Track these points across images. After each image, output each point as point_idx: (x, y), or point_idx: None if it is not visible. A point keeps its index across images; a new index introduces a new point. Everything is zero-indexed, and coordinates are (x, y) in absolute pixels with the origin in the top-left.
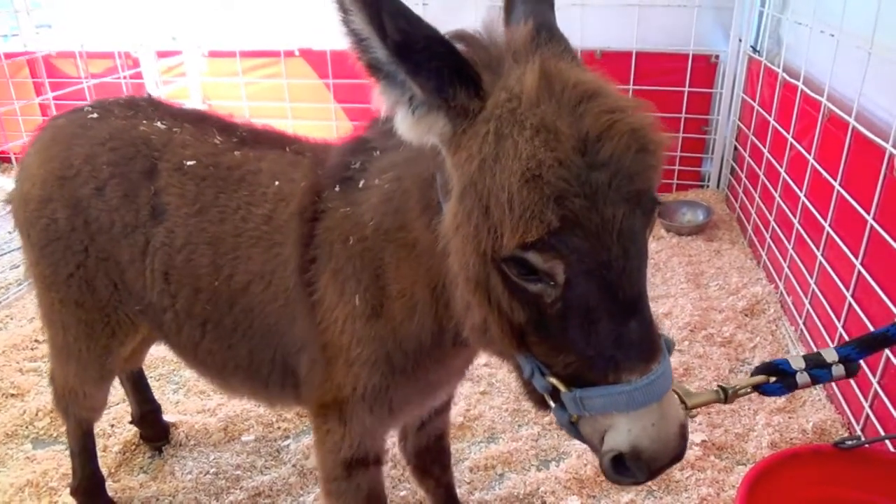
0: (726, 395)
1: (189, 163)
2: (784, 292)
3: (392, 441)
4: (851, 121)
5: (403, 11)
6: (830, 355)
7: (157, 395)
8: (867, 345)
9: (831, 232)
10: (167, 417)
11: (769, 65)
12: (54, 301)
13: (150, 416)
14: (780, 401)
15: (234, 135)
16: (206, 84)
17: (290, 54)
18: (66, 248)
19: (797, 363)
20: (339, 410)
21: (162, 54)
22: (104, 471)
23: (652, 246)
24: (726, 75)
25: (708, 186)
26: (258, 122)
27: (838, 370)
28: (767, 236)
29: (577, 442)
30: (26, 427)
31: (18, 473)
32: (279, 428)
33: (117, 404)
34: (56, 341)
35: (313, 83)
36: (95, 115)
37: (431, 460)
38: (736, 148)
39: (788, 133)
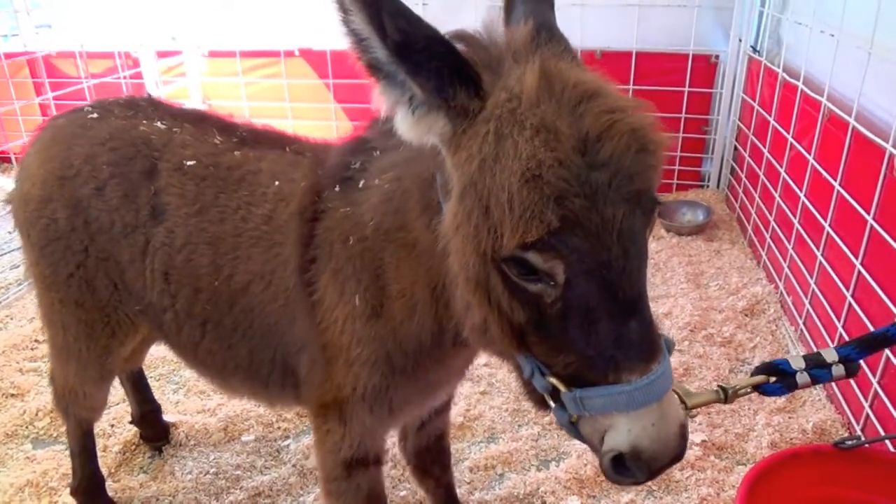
0: (726, 395)
1: (189, 163)
2: (784, 292)
3: (392, 441)
4: (851, 121)
5: (403, 11)
6: (830, 355)
7: (157, 395)
8: (867, 345)
9: (831, 232)
10: (167, 417)
11: (769, 65)
12: (54, 301)
13: (151, 416)
14: (780, 401)
15: (234, 135)
16: (206, 84)
17: (290, 54)
18: (66, 248)
19: (797, 363)
20: (339, 410)
21: (162, 54)
22: (104, 471)
23: (652, 246)
24: (726, 75)
25: (708, 186)
26: (258, 122)
27: (838, 370)
28: (767, 236)
29: (576, 442)
30: (26, 427)
31: (18, 473)
32: (279, 428)
33: (117, 404)
34: (56, 341)
35: (313, 83)
36: (95, 115)
37: (431, 460)
38: (736, 148)
39: (788, 133)
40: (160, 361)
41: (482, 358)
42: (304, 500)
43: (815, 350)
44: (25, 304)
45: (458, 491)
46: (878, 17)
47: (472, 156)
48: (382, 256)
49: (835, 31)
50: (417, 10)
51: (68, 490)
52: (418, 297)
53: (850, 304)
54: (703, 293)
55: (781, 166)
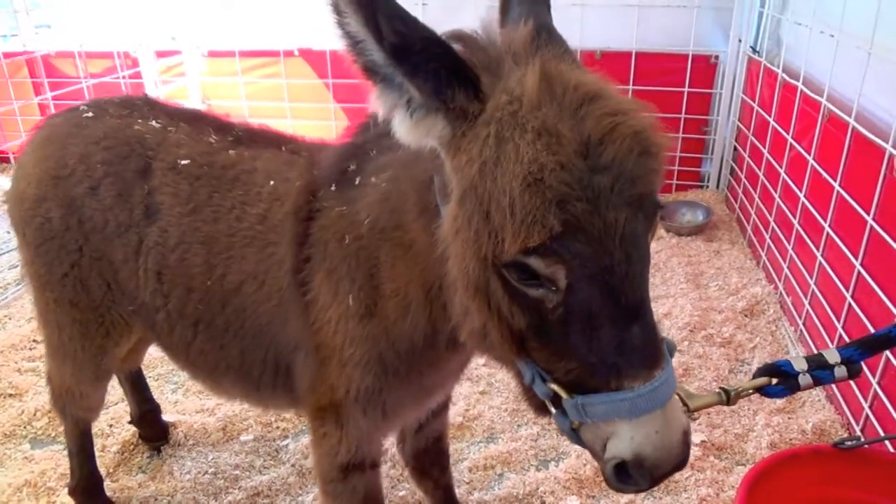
0: (728, 397)
1: (183, 162)
2: (784, 293)
3: (390, 441)
4: (851, 121)
5: (399, 13)
6: (833, 356)
7: (155, 394)
8: (869, 346)
9: (831, 232)
10: (166, 417)
11: (769, 65)
12: (49, 301)
13: (149, 415)
14: (780, 401)
15: (230, 134)
16: (206, 84)
17: (289, 54)
18: (61, 248)
19: (799, 364)
20: (335, 413)
21: (161, 54)
22: (102, 470)
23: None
24: (726, 76)
25: (707, 187)
26: (257, 121)
27: (840, 371)
28: (767, 237)
29: None
30: (24, 427)
31: (17, 473)
32: (278, 428)
33: (116, 404)
34: (52, 341)
35: (313, 83)
36: (91, 115)
37: (430, 462)
38: (735, 148)
39: (788, 133)
40: (159, 361)
41: (481, 358)
42: (302, 500)
43: (814, 350)
44: (24, 303)
45: (457, 491)
46: (878, 17)
47: (472, 159)
48: (378, 255)
49: (835, 32)
50: (416, 10)
51: (66, 490)
52: (412, 297)
53: (849, 305)
54: (702, 293)
55: (781, 167)
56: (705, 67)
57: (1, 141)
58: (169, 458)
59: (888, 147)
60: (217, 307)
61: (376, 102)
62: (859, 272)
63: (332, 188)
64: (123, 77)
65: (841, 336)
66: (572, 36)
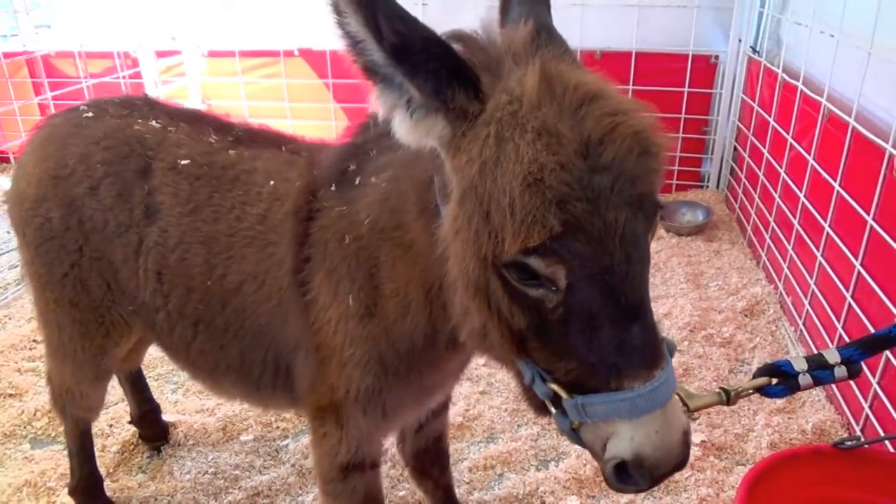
0: (728, 398)
1: (183, 162)
2: (784, 293)
3: (391, 441)
4: (851, 121)
5: (399, 13)
6: (833, 356)
7: (155, 394)
8: (870, 346)
9: (831, 232)
10: (166, 417)
11: (769, 65)
12: (49, 301)
13: (149, 415)
14: (780, 401)
15: (230, 134)
16: (206, 84)
17: (289, 54)
18: (61, 248)
19: (799, 365)
20: (335, 414)
21: (161, 54)
22: (103, 470)
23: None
24: (726, 76)
25: (707, 187)
26: (257, 121)
27: (841, 371)
28: (767, 237)
29: None
30: (24, 427)
31: (17, 473)
32: (278, 428)
33: (116, 404)
34: (52, 341)
35: (313, 83)
36: (91, 115)
37: (430, 462)
38: (735, 148)
39: (788, 133)
40: (159, 361)
41: (481, 358)
42: (302, 500)
43: (814, 350)
44: (24, 303)
45: (457, 491)
46: (878, 17)
47: (472, 159)
48: (378, 255)
49: (835, 32)
50: (416, 10)
51: (66, 490)
52: (412, 296)
53: (849, 305)
54: (702, 293)
55: (781, 167)
56: (705, 67)
57: (1, 141)
58: (169, 458)
59: (888, 147)
60: (217, 307)
61: (376, 102)
62: (859, 272)
63: (332, 188)
64: (123, 77)
65: (841, 336)
66: (572, 36)
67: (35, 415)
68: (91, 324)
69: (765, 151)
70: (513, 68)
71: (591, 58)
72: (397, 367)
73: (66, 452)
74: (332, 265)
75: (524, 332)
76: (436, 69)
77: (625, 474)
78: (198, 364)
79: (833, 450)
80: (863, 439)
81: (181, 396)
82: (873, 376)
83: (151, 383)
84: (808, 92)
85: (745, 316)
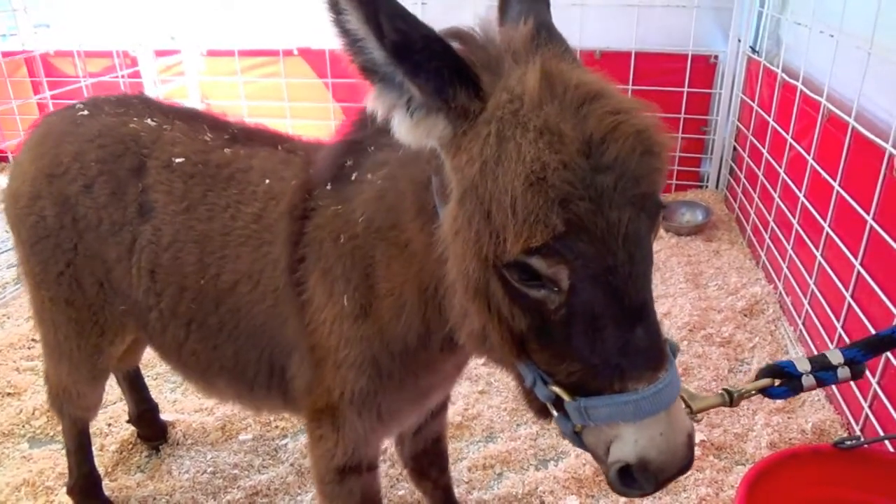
0: (731, 399)
1: (178, 160)
2: (783, 292)
3: (389, 441)
4: (851, 121)
5: (400, 11)
6: (836, 357)
7: (154, 393)
8: (873, 346)
9: (831, 232)
10: (165, 416)
11: (768, 65)
12: (45, 299)
13: (147, 415)
14: (780, 401)
15: (226, 132)
16: (205, 83)
17: (288, 53)
18: (56, 247)
19: (802, 365)
20: (331, 416)
21: (160, 53)
22: (101, 470)
23: None
24: (725, 76)
25: (707, 187)
26: (256, 121)
27: (844, 372)
28: (766, 236)
29: None
30: (23, 426)
31: (15, 472)
32: (277, 427)
33: (114, 403)
34: (48, 340)
35: (312, 82)
36: (86, 113)
37: (429, 463)
38: (735, 148)
39: (788, 133)
40: (157, 360)
41: (480, 359)
42: (301, 500)
43: (814, 350)
44: (22, 302)
45: (456, 490)
46: (878, 17)
47: (472, 158)
48: (373, 255)
49: (834, 32)
50: (416, 9)
51: (65, 489)
52: (406, 297)
53: (849, 305)
54: (702, 293)
55: (781, 167)
56: (705, 67)
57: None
58: (167, 458)
59: (888, 147)
60: (210, 307)
61: (375, 102)
62: (859, 272)
63: (328, 187)
64: (122, 76)
65: (841, 336)
66: (572, 36)
67: (33, 414)
68: (86, 323)
69: (764, 151)
70: (513, 67)
71: (590, 58)
72: (391, 369)
73: (64, 452)
74: (327, 265)
75: (525, 333)
76: (437, 68)
77: (629, 478)
78: (190, 364)
79: (833, 450)
80: (863, 439)
81: (180, 395)
82: (873, 376)
83: (150, 382)
84: (808, 92)
85: (745, 316)
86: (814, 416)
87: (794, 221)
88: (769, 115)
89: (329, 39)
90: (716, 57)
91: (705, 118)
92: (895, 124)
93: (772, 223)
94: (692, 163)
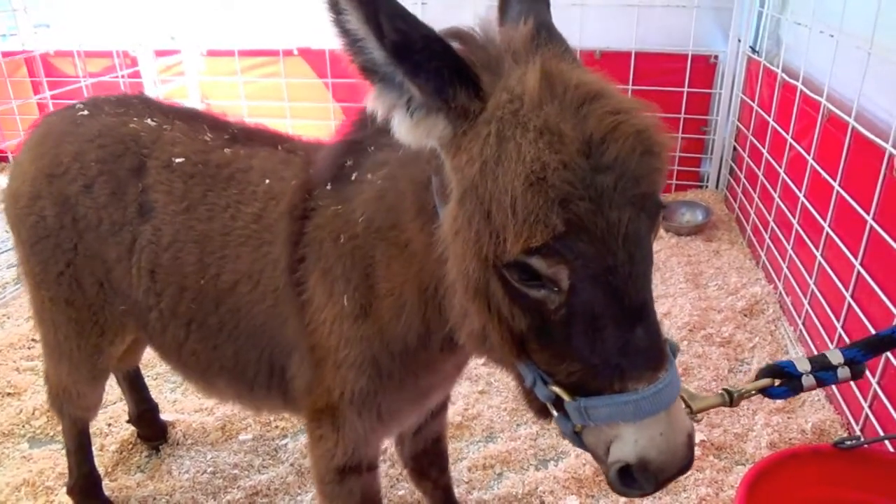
0: (731, 399)
1: (178, 160)
2: (783, 292)
3: (389, 441)
4: (851, 121)
5: (400, 11)
6: (836, 357)
7: (154, 393)
8: (873, 347)
9: (831, 232)
10: (165, 416)
11: (768, 65)
12: (45, 299)
13: (147, 415)
14: (780, 401)
15: (226, 132)
16: (205, 83)
17: (288, 53)
18: (56, 246)
19: (802, 365)
20: (331, 416)
21: (160, 53)
22: (101, 470)
23: None
24: (725, 76)
25: (707, 187)
26: (257, 121)
27: (844, 372)
28: (766, 236)
29: None
30: (23, 426)
31: (15, 472)
32: (277, 427)
33: (114, 403)
34: (48, 340)
35: (312, 82)
36: (86, 113)
37: (429, 463)
38: (735, 148)
39: (788, 133)
40: (157, 360)
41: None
42: (301, 500)
43: (814, 350)
44: (23, 302)
45: (456, 490)
46: (878, 17)
47: (472, 158)
48: (373, 255)
49: (834, 32)
50: (416, 9)
51: (65, 489)
52: (406, 297)
53: (849, 305)
54: (702, 293)
55: (781, 167)
56: (705, 67)
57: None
58: (168, 458)
59: (888, 147)
60: (210, 307)
61: (375, 102)
62: (859, 272)
63: (328, 187)
64: (122, 76)
65: (841, 336)
66: (572, 36)
67: (33, 414)
68: (86, 323)
69: (764, 151)
70: (513, 67)
71: (590, 58)
72: (392, 370)
73: (64, 451)
74: (327, 265)
75: (525, 333)
76: (437, 68)
77: (629, 478)
78: (190, 364)
79: (833, 449)
80: (863, 439)
81: (180, 395)
82: (873, 376)
83: (150, 382)
84: (808, 92)
85: (745, 316)
86: (814, 416)
87: (794, 221)
88: (769, 115)
89: (329, 39)
90: (716, 57)
91: (705, 118)
92: (895, 124)
93: (772, 223)
94: (692, 163)
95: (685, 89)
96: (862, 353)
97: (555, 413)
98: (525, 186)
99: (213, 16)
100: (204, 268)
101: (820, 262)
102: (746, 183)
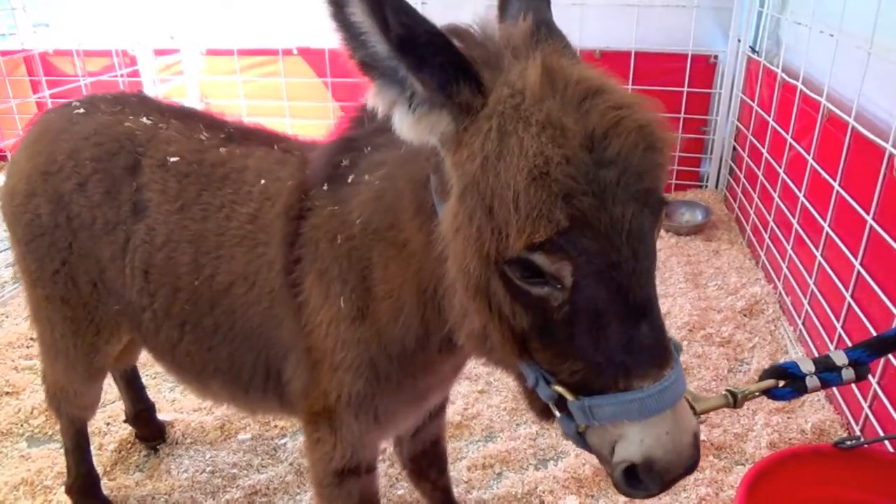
0: (735, 400)
1: (172, 159)
2: (783, 292)
3: (388, 441)
4: (851, 121)
5: (404, 6)
6: (840, 358)
7: (153, 392)
8: (877, 347)
9: (830, 232)
10: (164, 415)
11: (768, 65)
12: (41, 298)
13: (144, 414)
14: (780, 401)
15: (221, 131)
16: (204, 82)
17: (288, 52)
18: (51, 245)
19: (806, 366)
20: (329, 419)
21: (159, 52)
22: (100, 469)
23: None
24: (725, 75)
25: (707, 186)
26: (256, 120)
27: (848, 374)
28: (766, 236)
29: None
30: (21, 425)
31: (13, 472)
32: (276, 426)
33: (113, 402)
34: (44, 338)
35: (311, 82)
36: (82, 111)
37: (428, 464)
38: (735, 148)
39: (787, 133)
40: None
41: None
42: (300, 499)
43: (813, 350)
44: (21, 301)
45: (455, 490)
46: (878, 17)
47: (473, 154)
48: (370, 256)
49: (834, 32)
50: (416, 8)
51: (63, 488)
52: (405, 298)
53: (849, 305)
54: (701, 293)
55: (780, 166)
56: (704, 67)
57: None
58: (166, 457)
59: (888, 147)
60: (205, 308)
61: (375, 99)
62: (859, 272)
63: (324, 187)
64: (122, 75)
65: (840, 336)
66: (572, 35)
67: (32, 413)
68: (82, 321)
69: (764, 151)
70: (513, 62)
71: (590, 57)
72: (389, 372)
73: (62, 451)
74: (324, 266)
75: (527, 332)
76: (441, 63)
77: (634, 478)
78: (184, 366)
79: (833, 450)
80: (863, 439)
81: (178, 395)
82: (873, 377)
83: (149, 381)
84: (808, 92)
85: (745, 315)
86: (814, 416)
87: (794, 221)
88: (769, 115)
89: (329, 39)
90: (716, 57)
91: (705, 118)
92: (895, 124)
93: (771, 223)
94: (692, 162)
95: (685, 89)
96: (866, 353)
97: (557, 413)
98: (528, 181)
99: (213, 15)
100: (198, 268)
101: (820, 262)
102: (746, 183)
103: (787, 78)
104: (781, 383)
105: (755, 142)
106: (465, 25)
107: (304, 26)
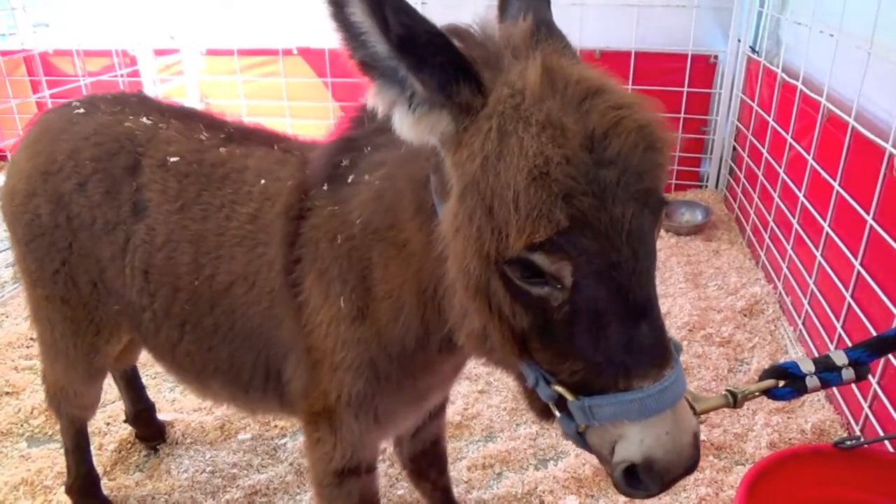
0: (735, 400)
1: (172, 159)
2: (783, 292)
3: (388, 441)
4: (851, 121)
5: (404, 5)
6: (840, 358)
7: (153, 392)
8: (877, 347)
9: (830, 232)
10: (164, 415)
11: (768, 65)
12: (41, 297)
13: (144, 414)
14: (780, 401)
15: (221, 131)
16: (204, 82)
17: (288, 52)
18: (51, 245)
19: (806, 366)
20: (328, 419)
21: (160, 52)
22: (100, 469)
23: None
24: (725, 75)
25: (706, 186)
26: (256, 120)
27: (848, 374)
28: (766, 236)
29: None
30: (21, 425)
31: (13, 472)
32: (276, 426)
33: (113, 402)
34: (44, 338)
35: (311, 82)
36: (82, 111)
37: (428, 464)
38: (735, 148)
39: (787, 133)
40: None
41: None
42: (300, 499)
43: (813, 350)
44: (21, 301)
45: (455, 490)
46: (878, 17)
47: (473, 153)
48: (370, 256)
49: (834, 32)
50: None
51: (63, 488)
52: (405, 298)
53: (849, 305)
54: (701, 293)
55: (780, 166)
56: (704, 67)
57: None
58: (166, 457)
59: (888, 147)
60: (205, 308)
61: (375, 99)
62: (859, 272)
63: (324, 187)
64: (122, 75)
65: (840, 336)
66: (572, 35)
67: (32, 413)
68: (82, 321)
69: (764, 151)
70: (513, 62)
71: (590, 57)
72: (389, 372)
73: (62, 451)
74: (324, 266)
75: (527, 332)
76: (442, 63)
77: (634, 478)
78: (184, 366)
79: (833, 449)
80: (863, 439)
81: (178, 394)
82: (873, 377)
83: (149, 381)
84: (808, 92)
85: (745, 315)
86: (814, 416)
87: (794, 221)
88: (769, 115)
89: (329, 39)
90: (716, 57)
91: (705, 118)
92: (895, 124)
93: (771, 223)
94: (692, 162)
95: (685, 89)
96: (867, 353)
97: (557, 413)
98: (528, 181)
99: (213, 15)
100: (198, 268)
101: (820, 262)
102: (746, 183)
103: (787, 78)
104: (781, 383)
105: (755, 142)
106: (465, 25)
107: (304, 26)
